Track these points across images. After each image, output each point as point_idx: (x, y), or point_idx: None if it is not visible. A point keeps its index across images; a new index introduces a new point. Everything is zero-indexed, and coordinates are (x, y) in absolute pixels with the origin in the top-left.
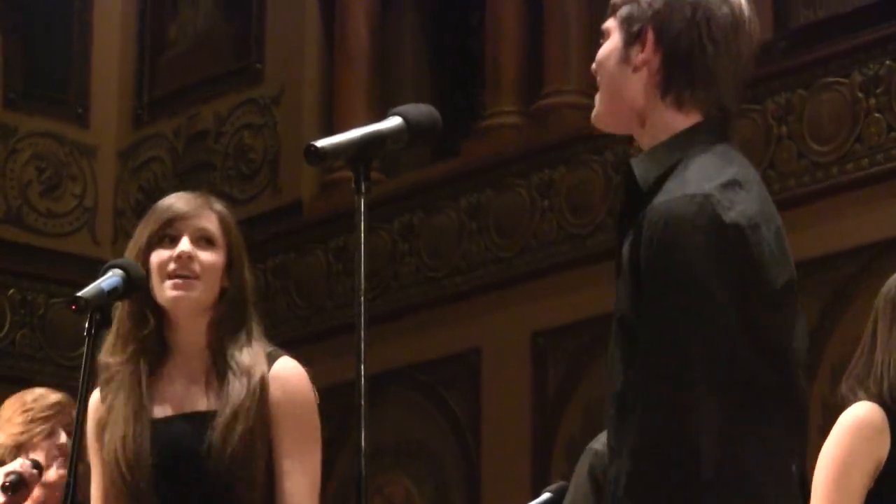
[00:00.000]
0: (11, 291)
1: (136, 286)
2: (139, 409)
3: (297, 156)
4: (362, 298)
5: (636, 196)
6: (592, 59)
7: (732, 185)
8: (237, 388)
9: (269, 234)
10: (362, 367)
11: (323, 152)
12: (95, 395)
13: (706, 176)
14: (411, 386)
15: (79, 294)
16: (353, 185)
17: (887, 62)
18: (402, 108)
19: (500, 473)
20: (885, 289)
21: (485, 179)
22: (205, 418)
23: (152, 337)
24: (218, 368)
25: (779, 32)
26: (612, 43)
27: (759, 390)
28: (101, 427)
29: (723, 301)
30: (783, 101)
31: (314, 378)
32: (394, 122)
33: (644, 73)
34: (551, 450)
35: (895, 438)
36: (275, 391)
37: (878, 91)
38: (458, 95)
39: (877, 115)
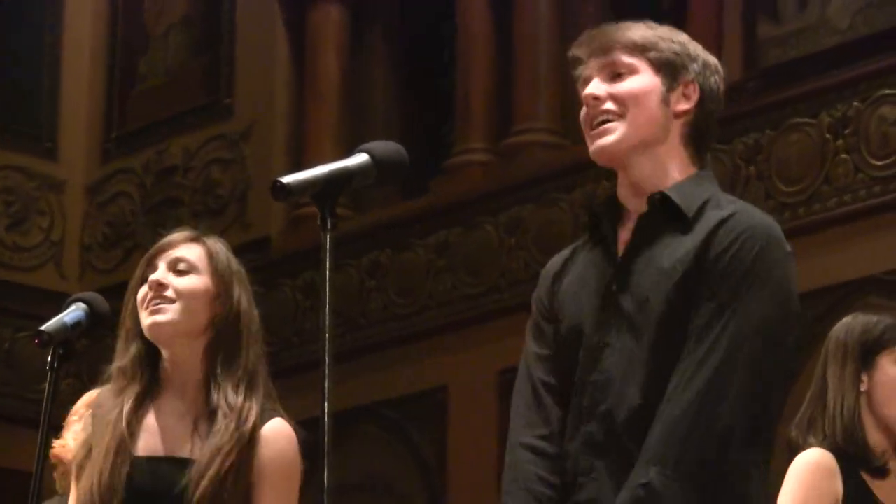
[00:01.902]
0: None
1: (100, 320)
2: (121, 444)
3: (265, 191)
4: (327, 335)
5: (673, 221)
6: (562, 97)
7: None
8: (222, 435)
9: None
10: (325, 404)
11: (289, 188)
12: (81, 423)
13: (751, 206)
14: (378, 423)
15: (42, 328)
16: (319, 222)
17: (855, 103)
18: (369, 145)
19: None
20: (833, 332)
21: (453, 217)
22: (185, 465)
23: (141, 371)
24: (210, 408)
25: (748, 73)
26: (647, 82)
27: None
28: (82, 459)
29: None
30: (751, 142)
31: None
32: (361, 158)
33: (680, 121)
34: None
35: (847, 480)
36: (262, 452)
37: (846, 132)
38: (427, 133)
39: (844, 156)
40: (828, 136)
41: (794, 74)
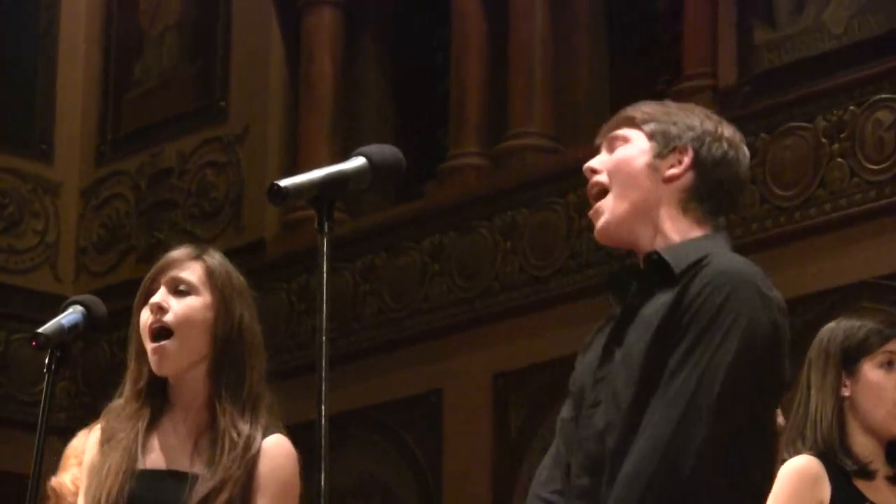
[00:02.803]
0: None
1: (98, 323)
2: (128, 461)
3: (260, 195)
4: (324, 339)
5: (661, 278)
6: (556, 101)
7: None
8: (229, 460)
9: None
10: (323, 407)
11: (286, 192)
12: (92, 439)
13: (746, 261)
14: (372, 427)
15: (39, 331)
16: (315, 225)
17: (851, 107)
18: (365, 149)
19: None
20: (816, 340)
21: (447, 221)
22: (186, 479)
23: (152, 393)
24: (214, 431)
25: (742, 77)
26: (635, 149)
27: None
28: (94, 470)
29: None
30: (747, 146)
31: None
32: (357, 162)
33: (672, 185)
34: (512, 492)
35: (835, 485)
36: (262, 465)
37: (841, 136)
38: (421, 137)
39: (840, 160)
40: (823, 140)
41: (790, 79)
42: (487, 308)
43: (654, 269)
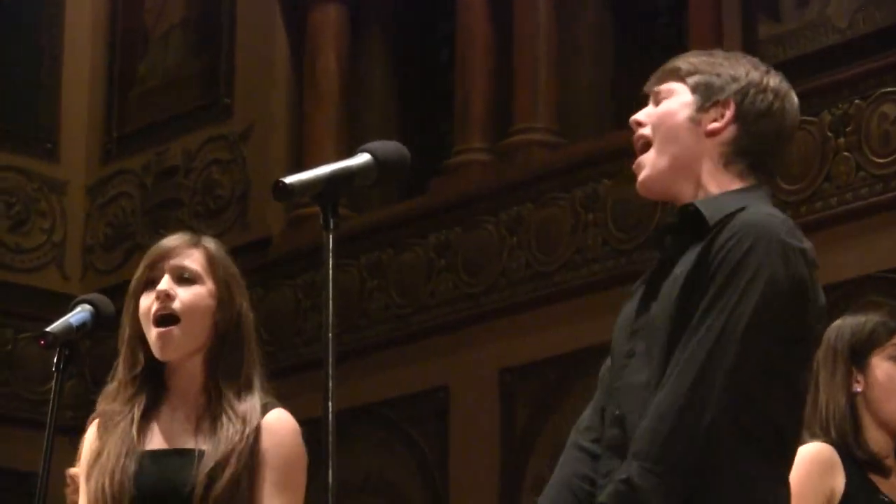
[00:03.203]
0: None
1: (106, 322)
2: (130, 446)
3: (265, 192)
4: (330, 335)
5: (697, 230)
6: (560, 97)
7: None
8: (231, 433)
9: (237, 269)
10: (330, 404)
11: (291, 189)
12: (92, 431)
13: (775, 212)
14: (379, 423)
15: (47, 329)
16: (321, 222)
17: (857, 101)
18: (370, 145)
19: None
20: (823, 339)
21: (453, 217)
22: (192, 456)
23: (148, 379)
24: (213, 411)
25: None
26: (678, 102)
27: (790, 437)
28: (93, 460)
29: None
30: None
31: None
32: (362, 158)
33: (715, 139)
34: (519, 487)
35: (849, 474)
36: (265, 440)
37: (847, 130)
38: (426, 132)
39: (846, 154)
40: (829, 134)
41: (795, 72)
42: (493, 304)
43: (690, 221)
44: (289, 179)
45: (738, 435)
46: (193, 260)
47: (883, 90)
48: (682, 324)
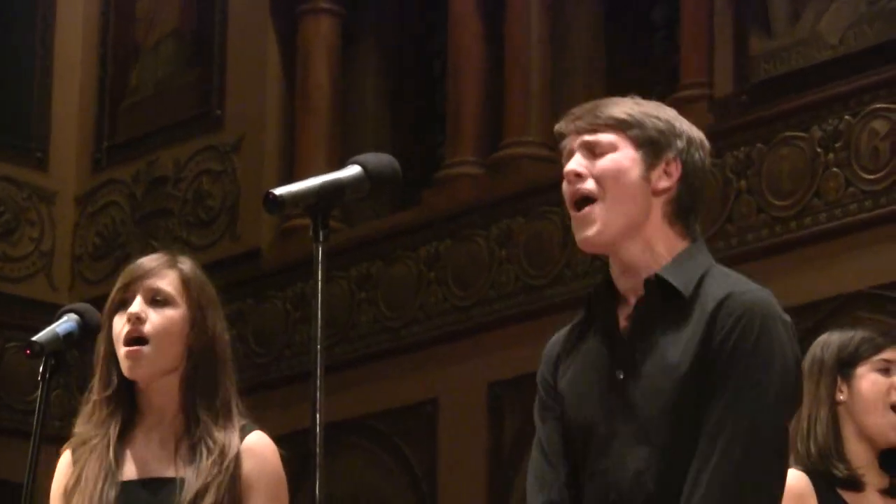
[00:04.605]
0: None
1: (92, 331)
2: (108, 471)
3: (255, 203)
4: (319, 347)
5: (671, 302)
6: (553, 110)
7: None
8: (210, 463)
9: (227, 280)
10: (318, 416)
11: (282, 200)
12: (66, 458)
13: (747, 282)
14: (367, 436)
15: (34, 339)
16: (311, 234)
17: (846, 117)
18: (362, 158)
19: None
20: (810, 352)
21: (443, 229)
22: (171, 485)
23: (122, 400)
24: (191, 437)
25: (739, 87)
26: (625, 159)
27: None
28: (69, 489)
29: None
30: (742, 156)
31: (271, 426)
32: (353, 170)
33: (660, 198)
34: (507, 501)
35: (821, 500)
36: (246, 464)
37: (836, 146)
38: (418, 145)
39: (835, 170)
40: (819, 150)
41: (786, 88)
42: (483, 317)
43: (658, 293)
44: (279, 191)
45: None
46: (168, 282)
47: (873, 106)
48: (688, 412)
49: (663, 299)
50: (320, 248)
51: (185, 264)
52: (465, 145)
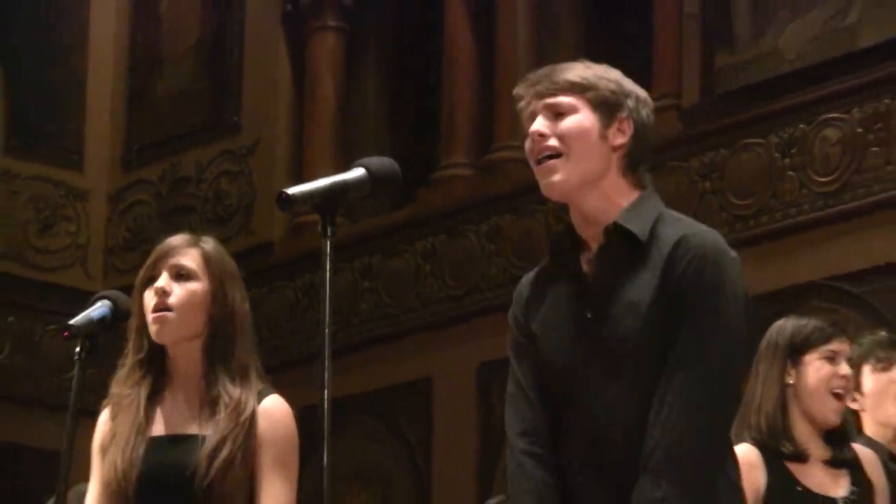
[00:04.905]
0: (11, 319)
1: (123, 315)
2: (138, 428)
3: (268, 201)
4: (327, 331)
5: (629, 246)
6: None
7: None
8: (226, 419)
9: (242, 271)
10: (325, 392)
11: (293, 199)
12: (104, 415)
13: (697, 224)
14: (368, 411)
15: (70, 322)
16: (319, 229)
17: (801, 126)
18: (365, 160)
19: (448, 490)
20: (766, 335)
21: (438, 226)
22: (194, 441)
23: (152, 364)
24: (211, 397)
25: (704, 98)
26: (586, 120)
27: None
28: (106, 443)
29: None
30: (707, 160)
31: None
32: (357, 172)
33: (616, 153)
34: (494, 469)
35: (770, 470)
36: (261, 424)
37: (792, 152)
38: (415, 149)
39: (791, 173)
40: (776, 155)
41: (747, 99)
42: (474, 305)
43: (617, 239)
44: (291, 190)
45: (726, 448)
46: (191, 258)
47: (825, 116)
48: (655, 351)
49: (622, 244)
50: (328, 242)
51: (208, 243)
52: (458, 149)
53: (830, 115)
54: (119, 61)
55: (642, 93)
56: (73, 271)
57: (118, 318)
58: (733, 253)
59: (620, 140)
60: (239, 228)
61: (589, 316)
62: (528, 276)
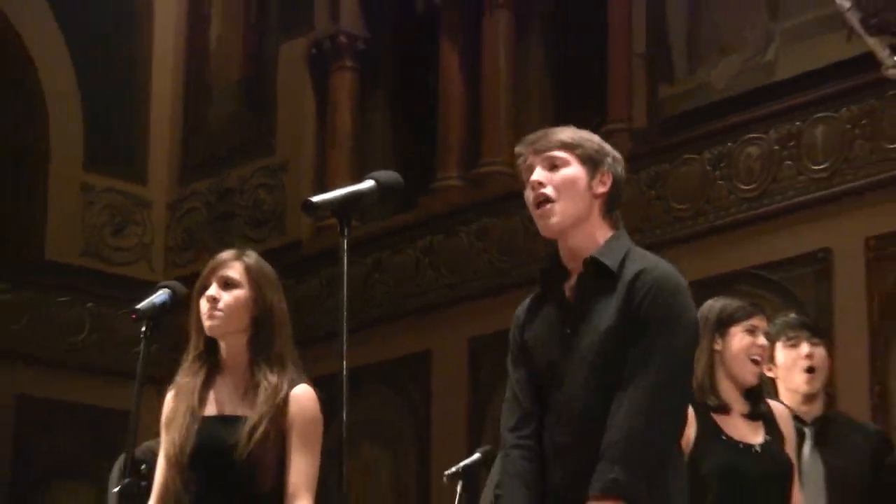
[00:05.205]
0: (90, 305)
1: (181, 301)
2: (193, 410)
3: (297, 208)
4: (345, 313)
5: (603, 276)
6: (518, 138)
7: None
8: (264, 402)
9: (276, 266)
10: (344, 363)
11: (316, 206)
12: (169, 397)
13: (657, 259)
14: (379, 378)
15: (137, 307)
16: (338, 230)
17: (729, 144)
18: (374, 174)
19: (445, 441)
20: (701, 310)
21: (436, 227)
22: (239, 421)
23: (208, 356)
24: (254, 383)
25: (651, 121)
26: (576, 172)
27: None
28: (168, 420)
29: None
30: (653, 172)
31: (308, 371)
32: (368, 183)
33: (598, 200)
34: (483, 423)
35: (699, 422)
36: (292, 408)
37: (722, 165)
38: (417, 164)
39: (721, 182)
40: (709, 168)
41: (686, 122)
42: (465, 291)
43: (593, 269)
44: (314, 199)
45: (676, 439)
46: (235, 270)
47: (748, 136)
48: (610, 359)
49: (597, 274)
50: (345, 241)
51: (250, 257)
52: (452, 164)
53: (752, 135)
54: (177, 91)
55: (617, 154)
56: (139, 266)
57: (176, 304)
58: (685, 282)
59: (602, 189)
60: (273, 230)
61: (568, 332)
62: (524, 303)
